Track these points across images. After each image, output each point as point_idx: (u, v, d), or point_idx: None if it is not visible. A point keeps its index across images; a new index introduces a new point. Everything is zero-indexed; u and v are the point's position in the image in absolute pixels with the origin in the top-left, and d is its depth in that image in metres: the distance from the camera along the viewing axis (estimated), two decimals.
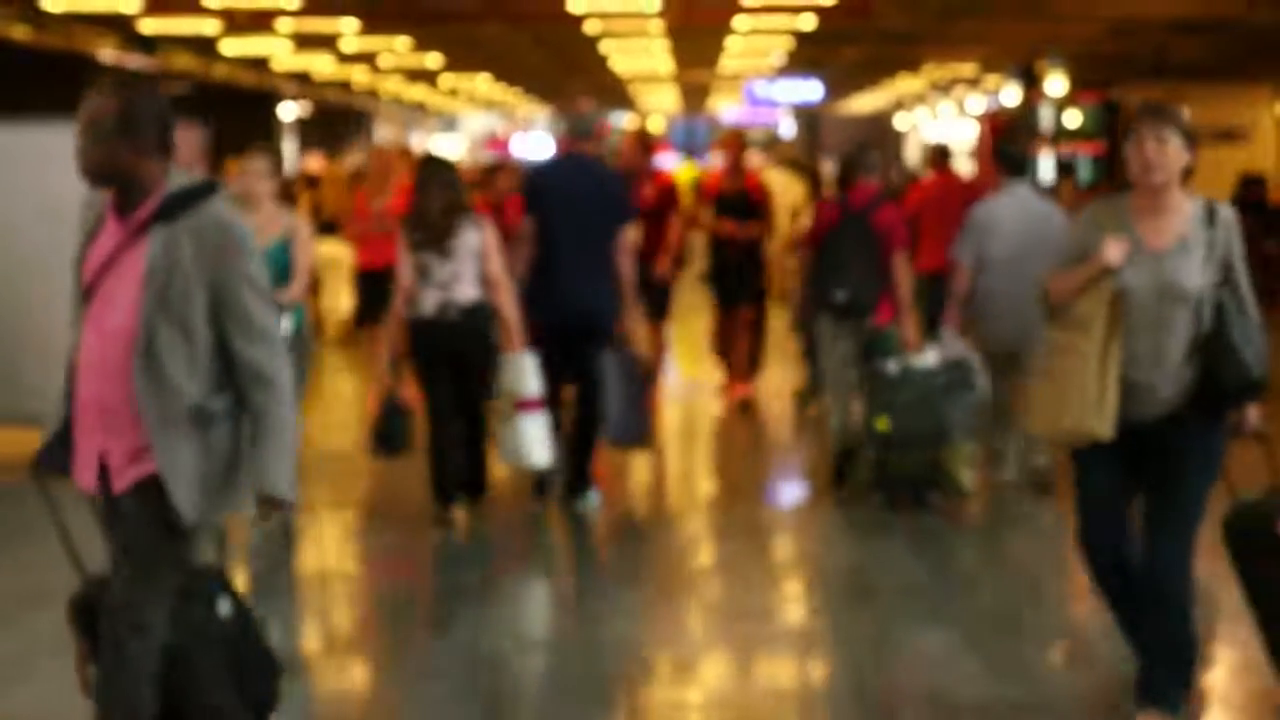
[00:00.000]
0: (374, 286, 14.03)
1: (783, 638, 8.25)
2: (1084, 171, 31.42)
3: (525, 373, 10.44)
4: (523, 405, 10.44)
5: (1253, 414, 6.60)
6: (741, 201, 14.74)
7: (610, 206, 10.90)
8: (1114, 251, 6.39)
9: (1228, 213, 6.51)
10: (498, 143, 57.40)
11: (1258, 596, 6.55)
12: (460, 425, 10.51)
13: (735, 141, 15.16)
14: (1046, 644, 7.89)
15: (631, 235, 11.08)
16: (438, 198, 10.38)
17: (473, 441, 10.62)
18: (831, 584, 9.35)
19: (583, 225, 10.79)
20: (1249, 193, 25.46)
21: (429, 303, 10.35)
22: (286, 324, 9.65)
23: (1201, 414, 6.45)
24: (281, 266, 9.76)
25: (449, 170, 10.69)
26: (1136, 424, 6.43)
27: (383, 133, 55.09)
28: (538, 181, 11.10)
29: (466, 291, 10.35)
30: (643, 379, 11.04)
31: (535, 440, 10.46)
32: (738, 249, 14.78)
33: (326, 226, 21.30)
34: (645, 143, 14.05)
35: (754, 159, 15.99)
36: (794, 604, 9.08)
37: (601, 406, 10.82)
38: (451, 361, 10.41)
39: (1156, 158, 6.39)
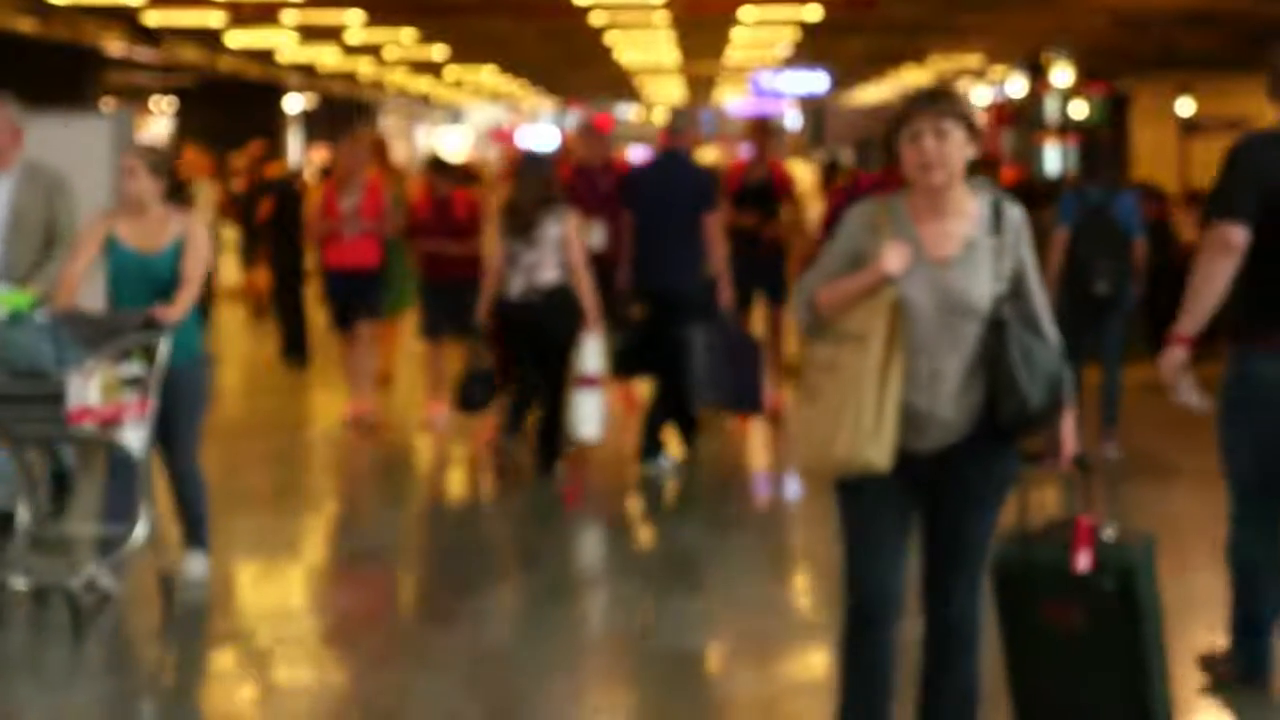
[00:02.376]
0: (345, 289, 13.56)
1: (793, 630, 8.23)
2: None
3: (588, 351, 11.32)
4: (581, 381, 11.31)
5: (1069, 440, 5.66)
6: (766, 191, 14.00)
7: (698, 195, 11.78)
8: (894, 258, 5.43)
9: (1016, 213, 5.58)
10: (503, 134, 57.29)
11: (1029, 646, 5.90)
12: (545, 393, 11.38)
13: (762, 129, 14.59)
14: None
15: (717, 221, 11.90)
16: (531, 190, 11.38)
17: (552, 413, 11.39)
18: (841, 574, 9.30)
19: (676, 212, 11.69)
20: None
21: (515, 286, 11.31)
22: (164, 348, 8.25)
23: (989, 440, 5.56)
24: (172, 278, 8.54)
25: (545, 165, 11.83)
26: (913, 453, 5.51)
27: (387, 124, 55.08)
28: (636, 177, 12.14)
29: (547, 275, 11.28)
30: (753, 350, 11.91)
31: (587, 415, 11.35)
32: (759, 247, 13.81)
33: None
34: (600, 135, 13.73)
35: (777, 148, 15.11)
36: (803, 595, 9.05)
37: (690, 375, 11.53)
38: (533, 338, 11.34)
39: (936, 154, 5.44)
